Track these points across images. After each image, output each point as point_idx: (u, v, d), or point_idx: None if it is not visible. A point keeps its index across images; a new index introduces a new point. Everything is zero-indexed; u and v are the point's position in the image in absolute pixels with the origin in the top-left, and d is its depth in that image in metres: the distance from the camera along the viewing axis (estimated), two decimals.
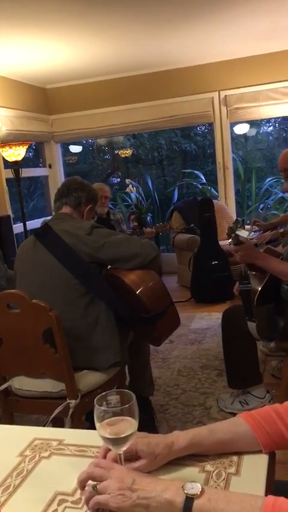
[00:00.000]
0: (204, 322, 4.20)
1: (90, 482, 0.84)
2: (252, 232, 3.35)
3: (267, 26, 4.27)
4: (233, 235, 2.19)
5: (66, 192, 2.28)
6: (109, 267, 2.18)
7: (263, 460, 0.92)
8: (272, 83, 5.19)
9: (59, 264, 2.05)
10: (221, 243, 4.81)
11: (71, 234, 2.08)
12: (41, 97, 5.79)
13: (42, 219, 5.47)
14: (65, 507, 0.85)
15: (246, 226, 2.47)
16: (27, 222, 4.59)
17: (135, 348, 2.39)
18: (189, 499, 0.77)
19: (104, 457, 0.91)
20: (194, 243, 4.94)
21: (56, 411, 1.84)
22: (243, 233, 2.15)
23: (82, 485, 0.86)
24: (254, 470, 0.90)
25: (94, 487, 0.82)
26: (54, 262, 2.06)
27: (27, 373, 2.00)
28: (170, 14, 3.73)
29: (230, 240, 2.22)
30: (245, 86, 5.31)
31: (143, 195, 7.59)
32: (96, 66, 5.13)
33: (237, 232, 2.16)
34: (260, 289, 2.21)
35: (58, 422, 1.97)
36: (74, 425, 1.85)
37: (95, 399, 0.88)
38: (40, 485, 0.92)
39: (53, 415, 1.83)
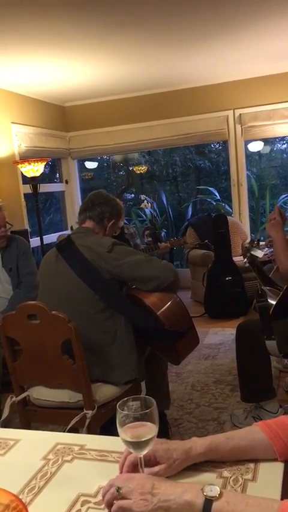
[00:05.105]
0: (218, 337, 4.21)
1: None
2: (266, 248, 3.39)
3: (281, 46, 4.35)
4: (248, 254, 2.24)
5: (90, 206, 2.28)
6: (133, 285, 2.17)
7: (279, 467, 0.95)
8: (287, 101, 5.25)
9: (78, 279, 2.06)
10: (234, 259, 4.85)
11: (92, 250, 2.09)
12: (59, 115, 5.92)
13: (58, 234, 5.59)
14: (88, 508, 0.88)
15: (262, 243, 2.52)
16: (43, 237, 4.67)
17: (153, 361, 2.40)
18: (209, 501, 0.81)
19: (123, 467, 0.95)
20: (208, 258, 4.97)
21: (74, 421, 1.86)
22: (258, 253, 2.19)
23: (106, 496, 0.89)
24: (270, 477, 0.93)
25: (118, 489, 0.85)
26: (74, 276, 2.07)
27: (45, 383, 2.04)
28: (186, 34, 3.83)
29: (246, 260, 2.27)
30: (259, 105, 5.38)
31: (157, 211, 7.66)
32: (114, 85, 5.25)
33: (253, 252, 2.20)
34: (275, 303, 2.23)
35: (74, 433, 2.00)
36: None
37: (117, 404, 0.92)
38: (63, 486, 0.96)
39: (71, 424, 1.85)
